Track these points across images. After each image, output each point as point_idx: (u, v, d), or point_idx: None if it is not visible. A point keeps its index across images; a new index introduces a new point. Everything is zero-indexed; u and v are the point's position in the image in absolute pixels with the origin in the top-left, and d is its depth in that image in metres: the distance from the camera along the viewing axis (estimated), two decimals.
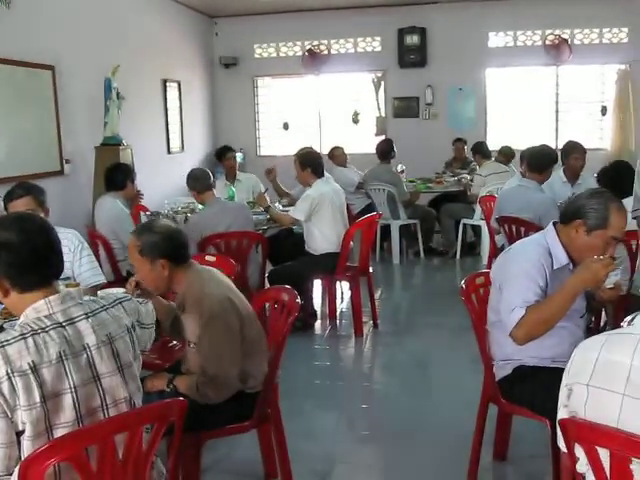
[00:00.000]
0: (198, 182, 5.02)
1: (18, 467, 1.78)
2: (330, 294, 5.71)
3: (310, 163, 5.34)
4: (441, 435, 3.67)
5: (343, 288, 6.43)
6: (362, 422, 4.05)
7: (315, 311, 5.77)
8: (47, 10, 6.31)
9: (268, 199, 5.70)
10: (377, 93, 10.64)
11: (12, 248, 1.87)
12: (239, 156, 8.13)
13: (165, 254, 2.72)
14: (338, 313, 5.88)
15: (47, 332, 1.85)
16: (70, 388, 1.85)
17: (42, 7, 6.23)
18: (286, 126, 10.98)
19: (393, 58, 10.34)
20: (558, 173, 5.52)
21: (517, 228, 4.89)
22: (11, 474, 1.88)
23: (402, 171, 8.28)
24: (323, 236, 5.27)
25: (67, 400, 1.84)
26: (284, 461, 3.02)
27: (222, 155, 6.95)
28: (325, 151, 8.25)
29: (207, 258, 3.89)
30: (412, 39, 10.16)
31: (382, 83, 10.56)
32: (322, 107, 10.87)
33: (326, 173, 5.47)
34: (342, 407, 4.24)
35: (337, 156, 8.00)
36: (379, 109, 10.64)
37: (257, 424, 2.90)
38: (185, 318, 2.80)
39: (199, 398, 2.63)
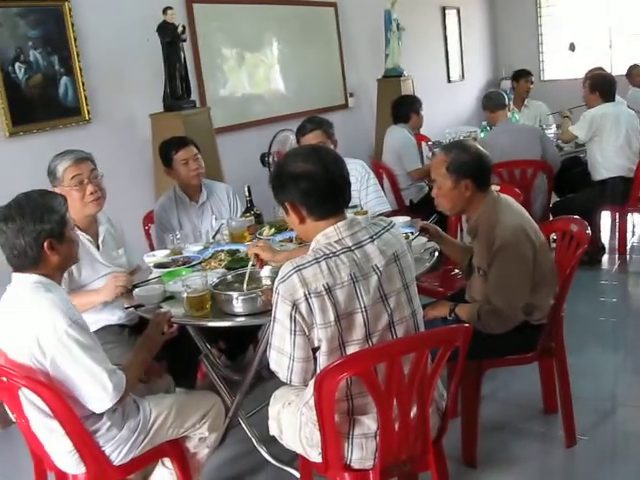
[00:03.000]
0: (491, 101, 5.30)
1: (314, 379, 1.95)
2: (621, 227, 5.32)
3: (601, 86, 5.17)
4: None
5: (635, 221, 5.99)
6: None
7: (603, 245, 5.45)
8: None
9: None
10: None
11: (312, 178, 1.99)
12: None
13: (471, 175, 2.69)
14: (628, 248, 5.47)
15: (338, 256, 1.96)
16: (360, 308, 1.95)
17: None
18: (572, 47, 10.21)
19: None
20: None
21: None
22: (306, 385, 2.07)
23: None
24: (605, 159, 5.06)
25: (358, 319, 1.95)
26: (566, 397, 2.93)
27: (518, 78, 6.74)
28: (616, 72, 7.57)
29: (491, 187, 3.83)
30: None
31: None
32: (613, 24, 9.92)
33: (618, 97, 5.14)
34: (628, 346, 3.98)
35: (636, 75, 7.31)
36: None
37: (540, 357, 2.85)
38: (476, 243, 2.78)
39: (481, 327, 2.61)
